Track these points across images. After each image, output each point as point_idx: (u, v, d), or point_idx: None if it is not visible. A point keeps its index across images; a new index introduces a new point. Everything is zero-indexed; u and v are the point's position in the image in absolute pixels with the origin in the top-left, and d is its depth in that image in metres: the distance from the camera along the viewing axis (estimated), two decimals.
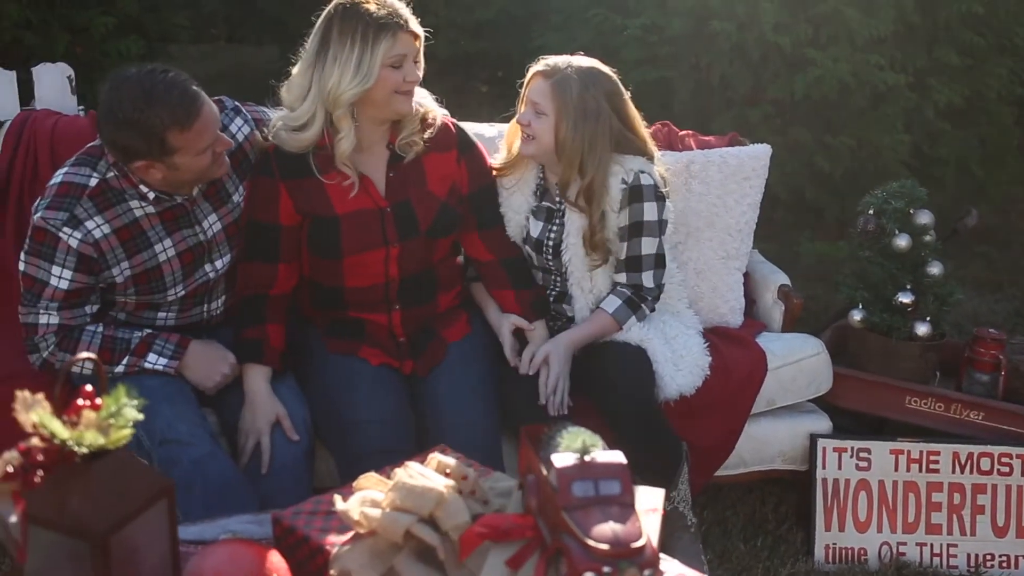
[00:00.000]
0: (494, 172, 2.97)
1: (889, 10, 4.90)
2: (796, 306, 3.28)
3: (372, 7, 2.62)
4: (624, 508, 1.68)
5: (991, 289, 5.14)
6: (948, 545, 3.12)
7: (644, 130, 2.91)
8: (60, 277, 2.59)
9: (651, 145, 2.92)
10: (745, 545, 3.11)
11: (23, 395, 1.54)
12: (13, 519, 1.50)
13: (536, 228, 2.93)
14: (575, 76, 2.77)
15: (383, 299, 2.84)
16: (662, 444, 2.84)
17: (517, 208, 2.95)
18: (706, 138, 3.55)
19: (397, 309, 2.86)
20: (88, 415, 1.55)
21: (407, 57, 2.66)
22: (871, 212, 3.33)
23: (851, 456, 3.11)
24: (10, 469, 1.48)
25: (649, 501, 1.92)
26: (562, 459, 1.71)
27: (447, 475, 1.94)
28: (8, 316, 2.99)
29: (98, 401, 1.57)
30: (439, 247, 2.88)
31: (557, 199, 2.91)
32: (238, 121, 2.82)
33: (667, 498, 2.80)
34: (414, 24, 2.67)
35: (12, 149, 3.29)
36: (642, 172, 2.82)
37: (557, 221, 2.91)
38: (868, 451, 3.11)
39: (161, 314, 2.80)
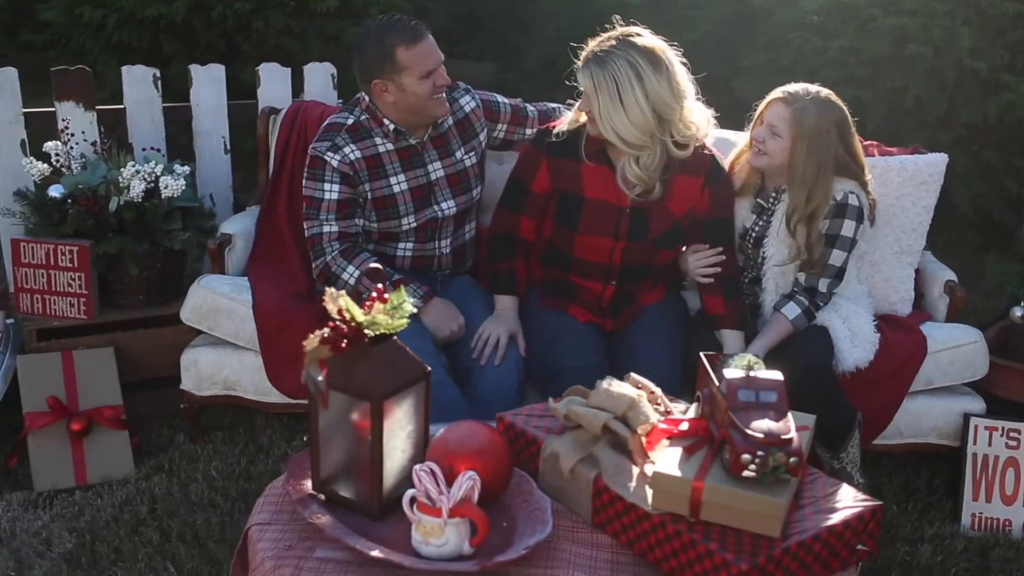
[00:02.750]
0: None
1: None
2: (960, 299, 3.52)
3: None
4: (779, 413, 2.09)
5: None
6: None
7: (863, 158, 3.22)
8: (330, 191, 3.29)
9: (867, 172, 3.22)
10: (897, 508, 3.40)
11: (331, 291, 2.10)
12: (320, 378, 2.06)
13: (748, 220, 3.34)
14: (812, 106, 3.11)
15: (604, 273, 3.27)
16: (838, 411, 3.15)
17: (739, 204, 3.35)
18: (890, 148, 3.81)
19: (612, 284, 3.29)
20: (378, 305, 2.09)
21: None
22: None
23: (1001, 435, 3.34)
24: (325, 334, 2.03)
25: (802, 420, 2.34)
26: (731, 372, 2.16)
27: (639, 388, 2.41)
28: (282, 270, 3.65)
29: (385, 296, 2.11)
30: (662, 255, 3.27)
31: (771, 198, 3.29)
32: (467, 98, 3.50)
33: (837, 458, 3.18)
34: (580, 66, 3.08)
35: (287, 133, 3.97)
36: (851, 192, 3.16)
37: (764, 218, 3.30)
38: (1018, 431, 3.34)
39: (400, 244, 3.42)
